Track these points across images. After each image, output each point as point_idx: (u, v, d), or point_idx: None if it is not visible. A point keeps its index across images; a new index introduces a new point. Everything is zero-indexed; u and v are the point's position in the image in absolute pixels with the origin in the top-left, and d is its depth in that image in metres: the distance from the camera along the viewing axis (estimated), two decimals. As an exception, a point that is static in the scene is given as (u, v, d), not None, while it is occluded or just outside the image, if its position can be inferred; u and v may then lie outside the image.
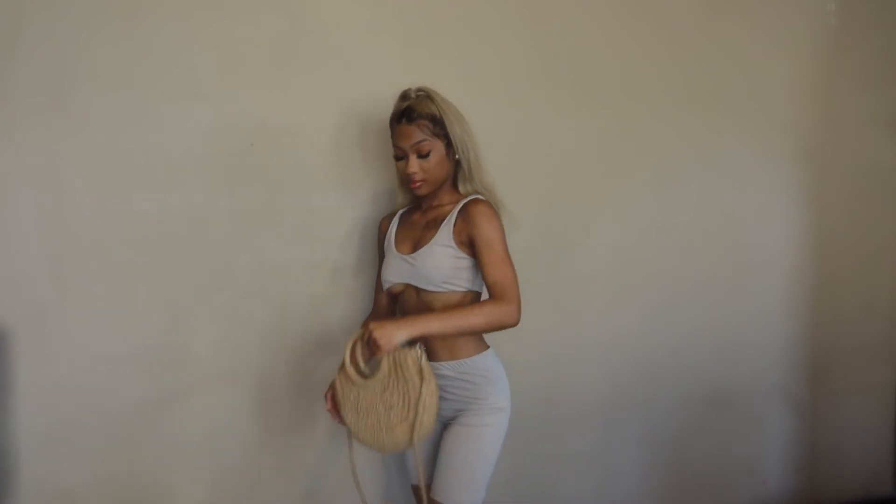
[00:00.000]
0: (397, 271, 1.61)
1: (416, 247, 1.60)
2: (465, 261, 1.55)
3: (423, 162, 1.54)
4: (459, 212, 1.56)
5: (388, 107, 1.82)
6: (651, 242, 2.18)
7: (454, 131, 1.56)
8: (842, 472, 2.51)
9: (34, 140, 1.61)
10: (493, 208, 1.57)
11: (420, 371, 1.46)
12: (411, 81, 1.77)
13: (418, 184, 1.56)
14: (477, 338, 1.62)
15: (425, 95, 1.58)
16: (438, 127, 1.55)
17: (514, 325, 1.48)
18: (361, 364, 1.50)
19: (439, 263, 1.54)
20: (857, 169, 2.42)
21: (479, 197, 1.59)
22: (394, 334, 1.39)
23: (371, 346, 1.41)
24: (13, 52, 1.59)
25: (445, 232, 1.55)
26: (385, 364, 1.46)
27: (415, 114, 1.54)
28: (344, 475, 1.90)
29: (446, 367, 1.58)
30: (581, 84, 2.06)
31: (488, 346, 1.65)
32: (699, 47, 2.18)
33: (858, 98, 2.39)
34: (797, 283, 2.38)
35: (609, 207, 2.12)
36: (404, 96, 1.61)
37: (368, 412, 1.49)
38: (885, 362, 2.54)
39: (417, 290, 1.58)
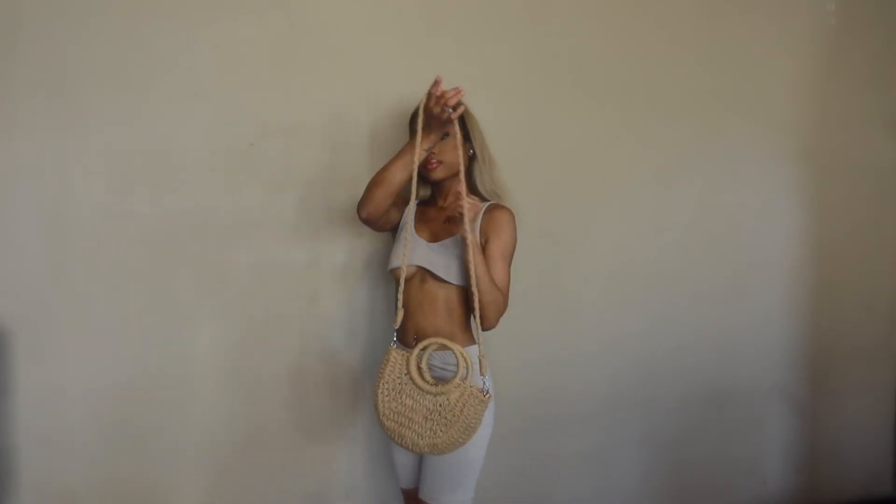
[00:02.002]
0: (416, 255, 1.60)
1: (435, 238, 1.63)
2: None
3: (442, 143, 1.61)
4: (485, 212, 1.62)
5: (388, 106, 1.83)
6: (651, 242, 2.18)
7: (472, 126, 1.65)
8: (842, 472, 2.51)
9: (34, 140, 1.61)
10: (514, 219, 1.63)
11: (481, 417, 1.49)
12: (411, 81, 1.77)
13: (435, 164, 1.61)
14: (466, 331, 1.62)
15: None
16: (459, 119, 1.61)
17: (494, 325, 1.57)
18: (424, 369, 1.51)
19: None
20: (857, 169, 2.42)
21: (507, 206, 1.65)
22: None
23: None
24: (13, 52, 1.59)
25: (474, 230, 1.59)
26: (454, 394, 1.46)
27: None
28: (343, 475, 1.91)
29: (434, 356, 1.59)
30: (581, 84, 2.06)
31: (476, 342, 1.65)
32: (699, 47, 2.18)
33: (858, 98, 2.39)
34: (797, 283, 2.38)
35: (609, 207, 2.12)
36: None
37: (406, 408, 1.49)
38: (885, 362, 2.54)
39: (424, 279, 1.59)
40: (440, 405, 1.47)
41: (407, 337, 1.62)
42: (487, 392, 1.49)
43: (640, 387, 2.20)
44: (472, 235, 1.49)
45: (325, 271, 1.84)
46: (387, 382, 1.51)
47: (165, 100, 1.69)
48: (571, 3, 2.03)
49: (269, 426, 1.84)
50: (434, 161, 1.61)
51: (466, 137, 1.65)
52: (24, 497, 1.65)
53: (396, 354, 1.53)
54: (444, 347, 1.51)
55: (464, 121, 1.65)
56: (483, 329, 1.55)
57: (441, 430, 1.46)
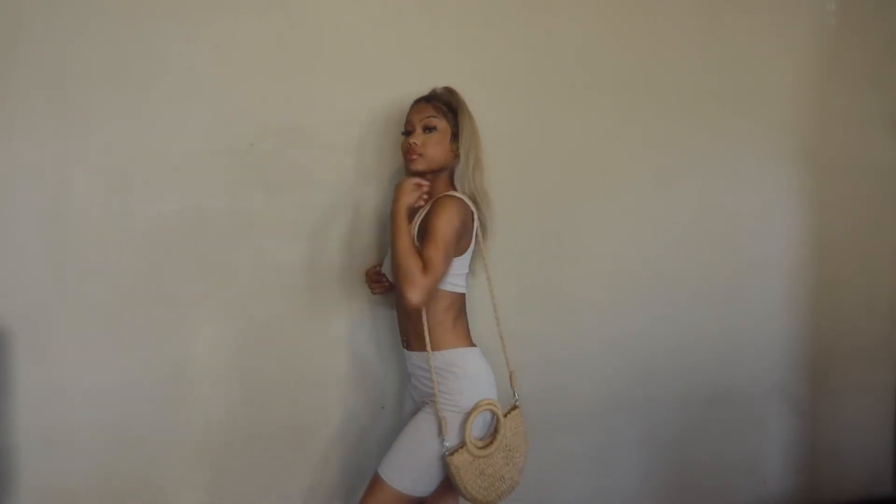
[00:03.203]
0: (385, 261, 1.68)
1: None
2: None
3: (426, 136, 1.60)
4: (434, 201, 1.57)
5: (387, 106, 1.83)
6: (651, 242, 2.18)
7: (464, 125, 1.62)
8: (842, 472, 2.51)
9: (34, 140, 1.61)
10: (459, 206, 1.54)
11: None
12: (411, 81, 1.77)
13: (415, 156, 1.58)
14: (455, 332, 1.60)
15: (450, 90, 1.67)
16: (451, 115, 1.62)
17: (411, 300, 1.44)
18: (478, 439, 1.58)
19: None
20: (857, 169, 2.42)
21: (455, 194, 1.58)
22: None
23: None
24: (13, 52, 1.59)
25: (416, 225, 1.57)
26: (507, 428, 1.59)
27: (434, 97, 1.66)
28: (343, 475, 1.91)
29: (416, 356, 1.60)
30: (580, 84, 2.06)
31: (472, 345, 1.63)
32: (699, 47, 2.18)
33: (858, 98, 2.39)
34: (797, 283, 2.38)
35: (610, 207, 2.12)
36: (432, 90, 1.69)
37: (493, 476, 1.58)
38: (885, 362, 2.54)
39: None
40: (506, 446, 1.59)
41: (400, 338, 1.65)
42: (516, 402, 1.66)
43: (640, 387, 2.20)
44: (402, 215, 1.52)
45: (325, 271, 1.84)
46: (468, 481, 1.54)
47: (165, 100, 1.69)
48: (571, 3, 2.03)
49: (269, 426, 1.83)
50: (415, 152, 1.58)
51: (456, 137, 1.62)
52: (24, 497, 1.65)
53: (458, 458, 1.52)
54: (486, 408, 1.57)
55: (457, 119, 1.62)
56: (404, 303, 1.47)
57: (518, 456, 1.62)
